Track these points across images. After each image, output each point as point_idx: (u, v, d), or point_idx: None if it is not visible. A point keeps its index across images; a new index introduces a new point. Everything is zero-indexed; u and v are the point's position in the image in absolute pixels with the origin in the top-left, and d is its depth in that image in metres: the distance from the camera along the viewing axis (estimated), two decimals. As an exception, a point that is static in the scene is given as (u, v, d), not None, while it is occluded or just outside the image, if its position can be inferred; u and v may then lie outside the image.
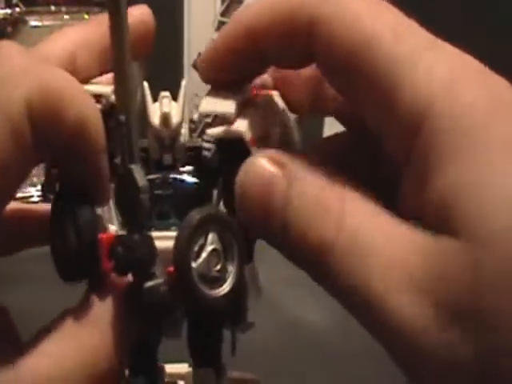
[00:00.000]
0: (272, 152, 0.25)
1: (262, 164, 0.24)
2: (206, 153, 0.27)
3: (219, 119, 0.27)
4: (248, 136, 0.26)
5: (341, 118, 0.30)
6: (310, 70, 0.28)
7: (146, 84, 0.27)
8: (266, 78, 0.29)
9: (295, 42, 0.25)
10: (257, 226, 0.24)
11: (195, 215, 0.24)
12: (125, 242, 0.24)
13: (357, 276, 0.22)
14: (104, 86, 0.27)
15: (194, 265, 0.24)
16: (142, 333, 0.26)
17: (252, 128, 0.26)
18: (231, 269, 0.25)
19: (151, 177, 0.26)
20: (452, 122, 0.21)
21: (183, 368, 0.30)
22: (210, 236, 0.24)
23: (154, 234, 0.24)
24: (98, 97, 0.27)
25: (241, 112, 0.27)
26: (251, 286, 0.27)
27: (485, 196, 0.20)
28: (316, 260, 0.23)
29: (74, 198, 0.24)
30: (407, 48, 0.23)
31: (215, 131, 0.26)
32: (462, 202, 0.21)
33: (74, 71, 0.27)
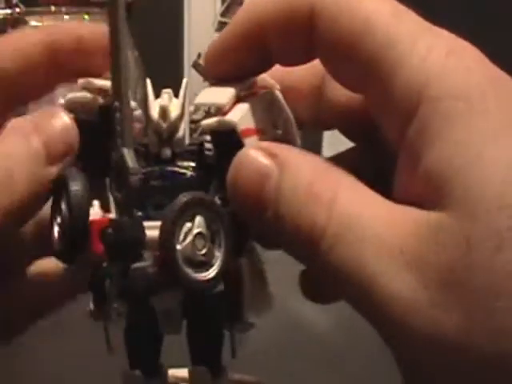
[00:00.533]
0: (264, 143, 0.25)
1: (255, 155, 0.24)
2: (207, 152, 0.28)
3: (212, 110, 0.27)
4: (240, 127, 0.26)
5: (342, 128, 0.30)
6: (310, 80, 0.29)
7: (148, 81, 0.27)
8: (267, 78, 0.29)
9: (297, 32, 0.25)
10: (250, 217, 0.24)
11: (182, 198, 0.24)
12: (114, 224, 0.24)
13: (349, 260, 0.22)
14: (105, 81, 0.27)
15: (178, 247, 0.24)
16: (131, 314, 0.26)
17: (251, 118, 0.26)
18: (218, 254, 0.25)
19: (149, 169, 0.27)
20: (446, 105, 0.22)
21: (187, 372, 0.30)
22: (197, 220, 0.24)
23: (150, 223, 0.25)
24: (101, 91, 0.27)
25: (238, 102, 0.27)
26: (260, 291, 0.27)
27: (474, 173, 0.21)
28: (308, 248, 0.23)
29: (69, 186, 0.25)
30: (404, 32, 0.23)
31: (208, 122, 0.26)
32: (453, 179, 0.21)
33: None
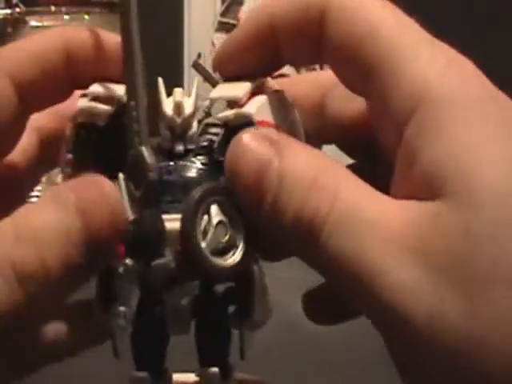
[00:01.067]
0: (263, 129, 0.25)
1: (254, 139, 0.24)
2: (213, 137, 0.28)
3: (228, 104, 0.27)
4: (257, 118, 0.26)
5: (341, 145, 0.31)
6: (312, 96, 0.30)
7: (160, 79, 0.28)
8: (274, 83, 0.29)
9: (308, 35, 0.26)
10: (249, 205, 0.24)
11: (195, 194, 0.25)
12: (135, 220, 0.25)
13: (347, 248, 0.22)
14: (116, 88, 0.28)
15: (203, 244, 0.24)
16: (138, 317, 0.26)
17: (267, 110, 0.27)
18: (239, 238, 0.25)
19: (162, 164, 0.27)
20: (444, 106, 0.22)
21: (190, 377, 0.30)
22: (213, 209, 0.25)
23: (165, 216, 0.25)
24: (109, 99, 0.27)
25: (251, 98, 0.27)
26: (261, 302, 0.28)
27: (471, 165, 0.21)
28: (308, 238, 0.23)
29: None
30: (408, 41, 0.24)
31: (225, 114, 0.27)
32: (450, 172, 0.21)
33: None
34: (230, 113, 0.27)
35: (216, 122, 0.28)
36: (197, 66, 0.85)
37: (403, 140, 0.23)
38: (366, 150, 0.29)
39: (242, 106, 0.27)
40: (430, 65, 0.23)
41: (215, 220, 0.25)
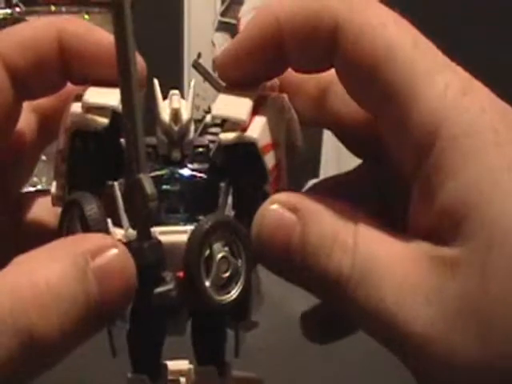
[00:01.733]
0: (284, 196, 0.26)
1: (277, 210, 0.25)
2: (210, 145, 0.28)
3: (230, 123, 0.27)
4: (261, 143, 0.26)
5: (339, 136, 0.31)
6: (317, 83, 0.30)
7: (156, 81, 0.27)
8: (274, 81, 0.29)
9: (318, 44, 0.25)
10: (277, 266, 0.26)
11: (197, 237, 0.24)
12: (133, 250, 0.24)
13: (371, 300, 0.23)
14: (111, 96, 0.27)
15: (207, 283, 0.24)
16: (149, 333, 0.26)
17: (268, 131, 0.27)
18: (241, 269, 0.25)
19: (159, 172, 0.27)
20: (461, 142, 0.23)
21: (184, 365, 0.30)
22: (215, 247, 0.25)
23: (163, 228, 0.25)
24: (102, 110, 0.27)
25: (252, 112, 0.27)
26: (254, 291, 0.28)
27: (489, 208, 0.21)
28: (334, 291, 0.24)
29: (83, 210, 0.24)
30: (424, 65, 0.24)
31: (228, 137, 0.27)
32: (468, 215, 0.22)
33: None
34: (233, 136, 0.27)
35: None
36: (197, 66, 0.85)
37: (420, 174, 0.23)
38: (366, 149, 0.29)
39: (244, 128, 0.26)
40: (447, 94, 0.23)
41: (218, 256, 0.25)
